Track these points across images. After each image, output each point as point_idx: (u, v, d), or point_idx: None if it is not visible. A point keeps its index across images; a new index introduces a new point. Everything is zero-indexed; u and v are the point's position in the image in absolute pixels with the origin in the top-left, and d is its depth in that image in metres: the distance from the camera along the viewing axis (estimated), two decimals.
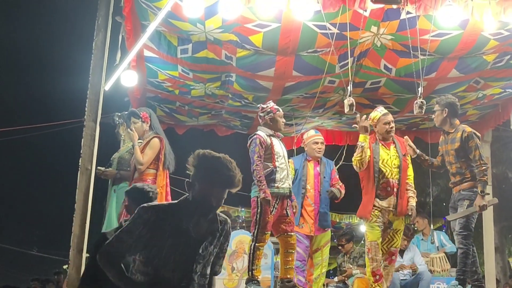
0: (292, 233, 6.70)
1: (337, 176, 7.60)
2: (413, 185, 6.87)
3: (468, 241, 6.45)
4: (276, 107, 6.90)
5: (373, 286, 6.60)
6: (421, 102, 6.60)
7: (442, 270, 8.87)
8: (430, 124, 9.05)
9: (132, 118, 6.79)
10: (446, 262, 9.01)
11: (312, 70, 7.80)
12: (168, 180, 6.70)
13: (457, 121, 6.78)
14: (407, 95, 8.55)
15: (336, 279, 8.98)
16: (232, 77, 8.07)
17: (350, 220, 16.07)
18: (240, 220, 17.44)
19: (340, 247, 9.45)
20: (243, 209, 17.06)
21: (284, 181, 6.62)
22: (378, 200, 6.66)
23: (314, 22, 6.80)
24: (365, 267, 9.26)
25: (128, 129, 6.95)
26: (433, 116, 6.87)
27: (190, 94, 8.74)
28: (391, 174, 6.67)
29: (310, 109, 8.78)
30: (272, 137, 6.71)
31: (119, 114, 7.59)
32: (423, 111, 6.73)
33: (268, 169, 6.54)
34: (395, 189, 6.67)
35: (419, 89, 6.76)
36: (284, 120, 7.00)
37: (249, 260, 6.48)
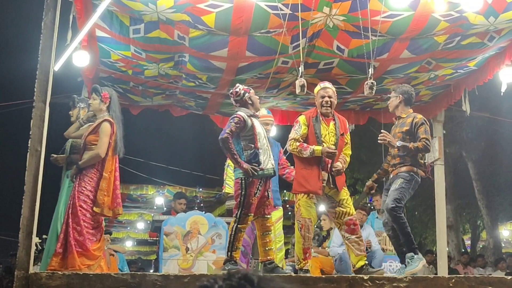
0: (269, 216, 6.59)
1: (285, 157, 7.61)
2: (346, 158, 6.80)
3: (402, 215, 6.40)
4: (247, 87, 6.74)
5: (302, 263, 6.45)
6: (372, 83, 6.64)
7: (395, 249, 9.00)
8: (383, 104, 9.13)
9: (93, 93, 6.76)
10: None
11: (265, 50, 7.81)
12: (117, 165, 6.64)
13: (410, 110, 6.84)
14: (360, 76, 8.58)
15: (287, 260, 8.97)
16: (185, 57, 8.03)
17: None
18: (198, 201, 17.45)
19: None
20: (200, 189, 17.07)
21: (267, 162, 6.49)
22: None
23: (266, 2, 6.81)
24: (319, 246, 9.38)
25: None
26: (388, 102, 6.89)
27: (144, 75, 8.68)
28: None
29: (264, 89, 8.80)
30: (252, 118, 6.52)
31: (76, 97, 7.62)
32: (373, 91, 6.79)
33: (251, 151, 6.39)
34: (328, 165, 6.56)
35: (370, 70, 6.82)
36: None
37: (229, 241, 6.33)
